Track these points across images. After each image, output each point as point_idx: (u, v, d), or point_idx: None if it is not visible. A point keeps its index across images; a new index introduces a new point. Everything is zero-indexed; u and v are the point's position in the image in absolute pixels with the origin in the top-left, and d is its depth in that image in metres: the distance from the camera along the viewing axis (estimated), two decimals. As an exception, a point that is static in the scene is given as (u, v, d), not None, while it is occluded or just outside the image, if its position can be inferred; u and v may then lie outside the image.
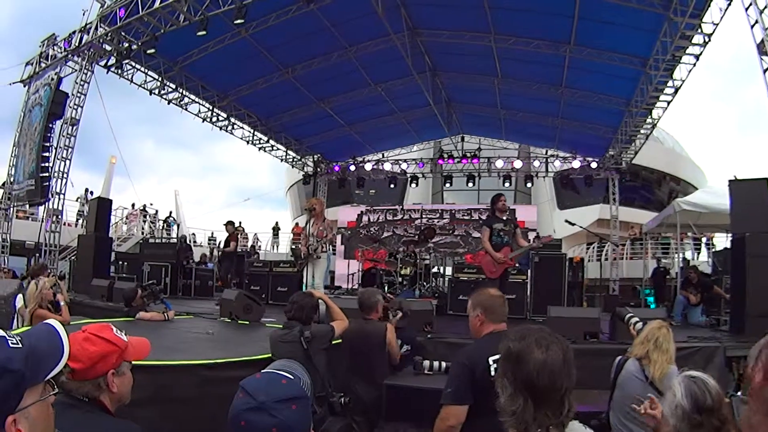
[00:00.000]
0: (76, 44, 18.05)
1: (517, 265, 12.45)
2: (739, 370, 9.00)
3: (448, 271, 20.05)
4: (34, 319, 8.59)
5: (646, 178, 38.25)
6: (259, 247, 35.85)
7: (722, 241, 24.09)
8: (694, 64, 15.86)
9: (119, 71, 18.69)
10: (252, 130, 25.28)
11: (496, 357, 3.97)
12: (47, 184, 18.86)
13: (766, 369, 1.72)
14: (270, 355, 6.37)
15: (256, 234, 37.77)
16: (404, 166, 29.13)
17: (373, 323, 7.54)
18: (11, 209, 22.30)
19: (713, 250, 24.97)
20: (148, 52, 16.71)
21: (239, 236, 36.38)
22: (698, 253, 28.25)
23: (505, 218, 11.81)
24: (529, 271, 15.41)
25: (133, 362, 2.94)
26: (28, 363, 1.90)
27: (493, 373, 3.99)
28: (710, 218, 19.64)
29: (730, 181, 13.25)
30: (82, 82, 18.58)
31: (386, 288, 16.61)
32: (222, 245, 15.56)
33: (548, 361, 2.42)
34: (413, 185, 30.02)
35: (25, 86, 21.51)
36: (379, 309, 7.68)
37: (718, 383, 3.61)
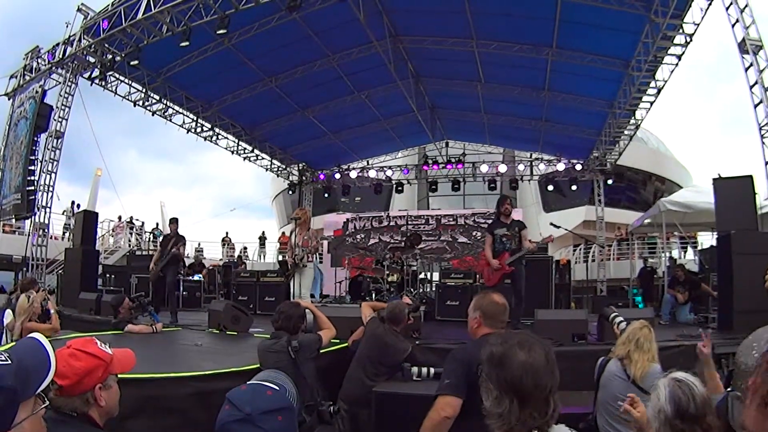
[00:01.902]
0: (60, 56, 18.02)
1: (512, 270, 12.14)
2: (728, 366, 9.02)
3: (435, 276, 20.05)
4: (24, 332, 8.62)
5: (631, 178, 38.36)
6: (246, 257, 35.73)
7: (708, 239, 24.19)
8: (676, 65, 15.97)
9: (103, 83, 18.65)
10: (236, 140, 25.24)
11: None
12: (33, 197, 18.80)
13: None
14: (258, 365, 6.38)
15: (245, 246, 37.75)
16: (389, 172, 29.07)
17: (402, 340, 7.70)
18: (-2, 224, 22.26)
19: (699, 248, 25.05)
20: (132, 63, 16.64)
21: (226, 246, 36.37)
22: (685, 252, 28.29)
23: (509, 222, 11.65)
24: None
25: (123, 375, 2.95)
26: (18, 379, 1.93)
27: None
28: (696, 217, 19.75)
29: (714, 179, 13.36)
30: (66, 95, 18.59)
31: (373, 295, 16.58)
32: (169, 247, 14.14)
33: (531, 362, 2.42)
34: (398, 192, 29.85)
35: (9, 99, 21.44)
36: (406, 322, 7.84)
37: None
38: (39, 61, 19.49)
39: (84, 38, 17.01)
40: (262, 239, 37.87)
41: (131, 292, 16.75)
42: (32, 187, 18.88)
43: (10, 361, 1.93)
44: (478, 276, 15.16)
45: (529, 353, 2.45)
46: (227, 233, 36.89)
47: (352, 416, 6.91)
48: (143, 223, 34.59)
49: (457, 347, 4.92)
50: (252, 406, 2.39)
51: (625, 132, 21.78)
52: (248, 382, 2.64)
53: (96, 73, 18.02)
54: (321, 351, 6.80)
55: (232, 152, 25.58)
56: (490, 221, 13.97)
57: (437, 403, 4.19)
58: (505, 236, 11.36)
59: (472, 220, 26.06)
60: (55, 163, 18.82)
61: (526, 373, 2.39)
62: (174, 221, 14.90)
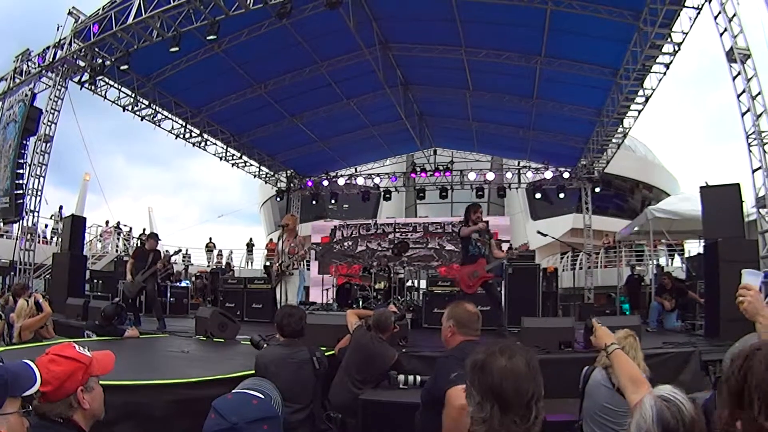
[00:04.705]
0: (50, 60, 17.96)
1: (492, 277, 12.12)
2: (715, 373, 9.07)
3: (423, 284, 20.03)
4: (23, 331, 8.84)
5: (618, 186, 38.39)
6: (231, 262, 35.65)
7: (695, 246, 24.28)
8: (665, 73, 16.09)
9: (93, 87, 18.59)
10: (225, 146, 25.21)
11: None
12: (21, 201, 18.73)
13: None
14: (253, 371, 6.35)
15: (231, 251, 37.68)
16: (377, 180, 29.11)
17: (388, 348, 7.75)
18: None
19: (686, 255, 25.11)
20: (122, 68, 16.60)
21: (213, 252, 36.23)
22: (672, 260, 28.35)
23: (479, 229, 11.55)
24: (502, 282, 15.39)
25: (110, 382, 2.97)
26: (8, 375, 1.98)
27: None
28: (683, 224, 19.81)
29: (701, 187, 13.45)
30: (55, 99, 18.52)
31: (360, 303, 16.58)
32: (151, 260, 13.99)
33: (511, 368, 2.47)
34: (386, 199, 29.82)
35: (-1, 102, 21.36)
36: (392, 329, 7.92)
37: (695, 387, 3.59)
38: (29, 64, 19.38)
39: (74, 42, 17.00)
40: (250, 246, 37.74)
41: (120, 297, 16.69)
42: (20, 191, 18.80)
43: (2, 362, 1.99)
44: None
45: (509, 359, 2.48)
46: (210, 239, 36.77)
47: (340, 424, 6.93)
48: (131, 228, 34.49)
49: (445, 354, 4.91)
50: (238, 415, 2.41)
51: (613, 140, 21.88)
52: (234, 391, 2.67)
53: (86, 77, 18.01)
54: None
55: (221, 158, 25.56)
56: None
57: (449, 396, 4.09)
58: (479, 241, 11.51)
59: (460, 228, 26.06)
60: (43, 167, 18.74)
61: (505, 378, 2.42)
62: (153, 236, 14.85)
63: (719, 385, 2.29)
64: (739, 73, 12.63)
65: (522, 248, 12.87)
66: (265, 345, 7.24)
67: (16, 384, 2.16)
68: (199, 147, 24.08)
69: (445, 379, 4.23)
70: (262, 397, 2.57)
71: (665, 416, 2.48)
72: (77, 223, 19.30)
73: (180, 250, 15.47)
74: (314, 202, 30.57)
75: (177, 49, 15.26)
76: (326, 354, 8.23)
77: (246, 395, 2.59)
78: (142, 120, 21.09)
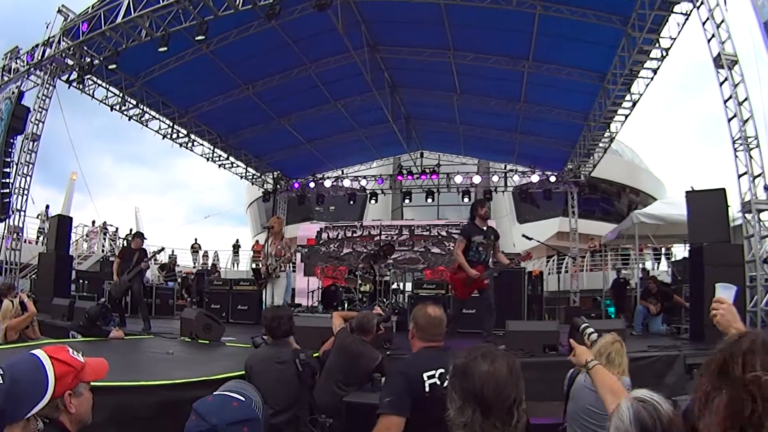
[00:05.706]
0: (39, 58, 17.84)
1: (485, 282, 11.76)
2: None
3: (408, 287, 20.02)
4: (8, 332, 9.03)
5: (605, 190, 38.47)
6: (217, 263, 35.52)
7: (681, 251, 24.33)
8: (652, 78, 16.15)
9: (81, 86, 18.49)
10: (212, 147, 25.04)
11: (431, 373, 4.09)
12: (8, 200, 18.61)
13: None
14: (231, 373, 6.36)
15: (216, 252, 37.53)
16: (364, 182, 29.01)
17: (371, 350, 7.66)
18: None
19: (672, 259, 25.17)
20: (110, 67, 16.57)
21: (199, 253, 36.05)
22: (658, 264, 28.42)
23: (485, 228, 11.12)
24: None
25: (94, 383, 2.95)
26: (9, 400, 1.92)
27: (427, 388, 4.09)
28: (669, 229, 19.88)
29: (687, 192, 13.58)
30: (43, 97, 18.40)
31: (346, 305, 16.58)
32: (136, 260, 13.91)
33: (493, 372, 2.48)
34: (373, 201, 29.74)
35: (-15, 100, 21.20)
36: (374, 332, 7.86)
37: (679, 391, 3.61)
38: (17, 61, 19.25)
39: (63, 40, 16.90)
40: (236, 247, 37.58)
41: (105, 298, 16.66)
42: (7, 190, 18.68)
43: (2, 381, 1.92)
44: (450, 286, 14.96)
45: (491, 364, 2.49)
46: (196, 239, 36.55)
47: (327, 428, 6.94)
48: (117, 228, 34.26)
49: (396, 363, 4.94)
50: (218, 417, 2.41)
51: (600, 144, 21.92)
52: (214, 393, 2.66)
53: (74, 75, 17.95)
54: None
55: (208, 159, 25.37)
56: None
57: (379, 423, 4.18)
58: (482, 245, 10.90)
59: (446, 230, 26.05)
60: (30, 165, 18.62)
61: (487, 383, 2.43)
62: (139, 235, 14.83)
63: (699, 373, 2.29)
64: (726, 79, 12.63)
65: (527, 258, 12.75)
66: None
67: (19, 407, 2.10)
68: (186, 147, 23.94)
69: (383, 399, 4.32)
70: (243, 399, 2.58)
71: (642, 416, 2.49)
72: (63, 223, 19.28)
73: (163, 248, 15.40)
74: (301, 204, 30.40)
75: (165, 49, 15.21)
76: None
77: (226, 397, 2.61)
78: (129, 120, 20.95)
